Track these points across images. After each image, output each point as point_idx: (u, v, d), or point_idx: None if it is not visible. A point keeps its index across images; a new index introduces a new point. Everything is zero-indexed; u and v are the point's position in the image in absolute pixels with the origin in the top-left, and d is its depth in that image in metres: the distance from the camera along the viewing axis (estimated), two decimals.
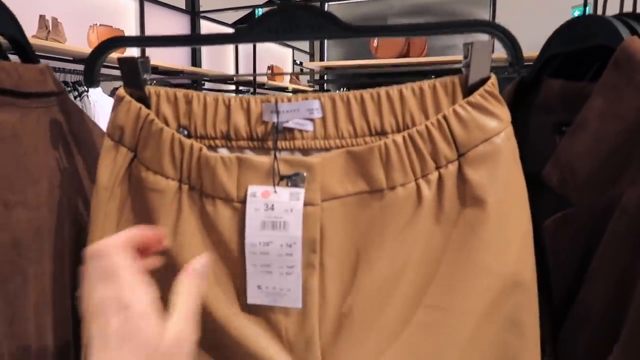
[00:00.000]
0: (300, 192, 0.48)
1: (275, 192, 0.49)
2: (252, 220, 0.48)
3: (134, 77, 0.52)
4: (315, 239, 0.49)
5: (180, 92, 0.52)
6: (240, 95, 0.52)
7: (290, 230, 0.48)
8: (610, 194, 0.48)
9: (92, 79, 0.54)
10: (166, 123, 0.52)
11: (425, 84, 0.50)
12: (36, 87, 0.56)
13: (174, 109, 0.52)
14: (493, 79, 0.49)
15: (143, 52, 3.25)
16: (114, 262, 0.35)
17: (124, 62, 0.52)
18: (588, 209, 0.50)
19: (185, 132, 0.52)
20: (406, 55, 3.00)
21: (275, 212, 0.48)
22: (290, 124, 0.51)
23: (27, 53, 0.59)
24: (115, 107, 0.52)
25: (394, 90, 0.50)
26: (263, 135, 0.51)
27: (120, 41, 0.54)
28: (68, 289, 0.58)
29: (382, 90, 0.50)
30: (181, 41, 0.58)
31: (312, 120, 0.51)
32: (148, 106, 0.52)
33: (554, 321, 0.54)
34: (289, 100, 0.51)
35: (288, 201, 0.48)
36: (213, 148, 0.52)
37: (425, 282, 0.49)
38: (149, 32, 3.37)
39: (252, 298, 0.50)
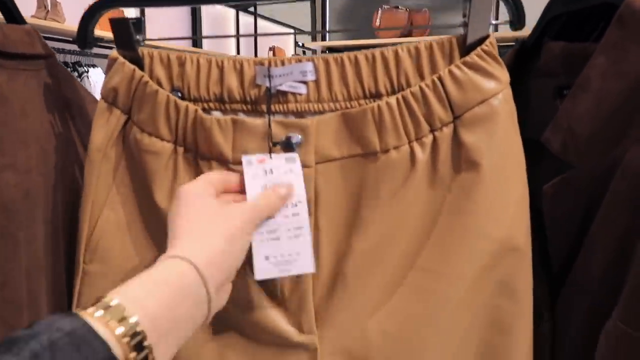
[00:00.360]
0: (295, 156, 0.48)
1: (271, 158, 0.48)
2: (253, 188, 0.47)
3: (127, 38, 0.51)
4: (310, 201, 0.48)
5: (174, 54, 0.51)
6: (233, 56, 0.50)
7: (294, 189, 0.47)
8: (612, 156, 0.47)
9: (85, 41, 0.53)
10: (159, 85, 0.51)
11: (422, 44, 0.49)
12: (23, 49, 0.55)
13: (167, 71, 0.52)
14: (492, 38, 0.48)
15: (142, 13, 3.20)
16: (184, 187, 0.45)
17: (116, 23, 0.51)
18: (588, 172, 0.48)
19: (179, 95, 0.51)
20: (409, 35, 2.96)
21: (275, 176, 0.48)
22: (283, 87, 0.50)
23: (12, 13, 0.58)
24: (108, 69, 0.52)
25: (389, 51, 0.49)
26: (256, 99, 0.51)
27: (115, 0, 0.53)
28: (63, 255, 0.57)
29: (377, 51, 0.49)
30: None
31: (305, 83, 0.50)
32: (141, 68, 0.51)
33: (552, 287, 0.53)
34: (282, 62, 0.50)
35: (285, 164, 0.48)
36: (206, 111, 0.51)
37: (418, 245, 0.48)
38: (149, 12, 3.33)
39: (261, 272, 0.46)
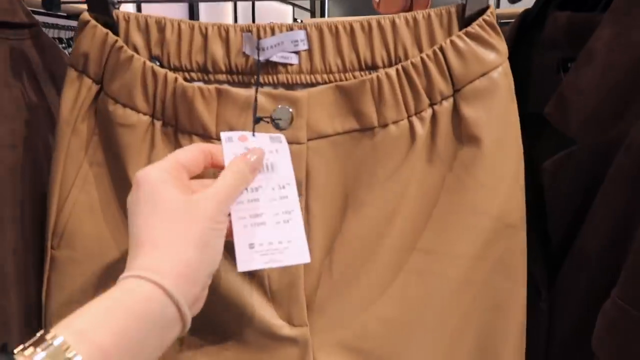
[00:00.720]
0: (281, 136, 0.45)
1: (254, 136, 0.44)
2: None
3: None
4: (300, 181, 0.46)
5: (152, 18, 0.48)
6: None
7: (281, 170, 0.43)
8: (615, 131, 0.44)
9: (51, 3, 0.49)
10: (136, 53, 0.47)
11: (420, 13, 0.46)
12: (4, 16, 0.52)
13: (145, 37, 0.48)
14: (492, 8, 0.46)
15: (139, 7, 3.14)
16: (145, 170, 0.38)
17: None
18: (591, 147, 0.47)
19: (158, 63, 0.48)
20: (409, 10, 2.91)
21: None
22: (273, 58, 0.47)
23: None
24: (79, 33, 0.47)
25: (385, 20, 0.46)
26: (243, 69, 0.48)
27: None
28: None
29: (374, 20, 0.46)
30: None
31: (297, 53, 0.47)
32: (116, 33, 0.48)
33: (550, 265, 0.52)
34: (272, 30, 0.47)
35: (270, 143, 0.44)
36: (188, 82, 0.48)
37: (417, 225, 0.46)
38: None
39: (244, 263, 0.39)
